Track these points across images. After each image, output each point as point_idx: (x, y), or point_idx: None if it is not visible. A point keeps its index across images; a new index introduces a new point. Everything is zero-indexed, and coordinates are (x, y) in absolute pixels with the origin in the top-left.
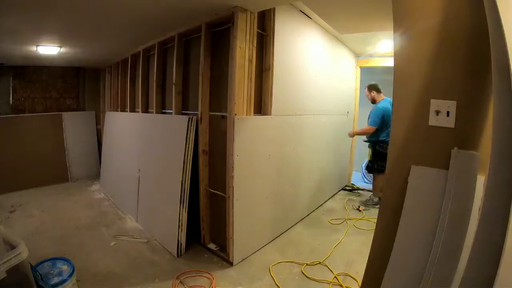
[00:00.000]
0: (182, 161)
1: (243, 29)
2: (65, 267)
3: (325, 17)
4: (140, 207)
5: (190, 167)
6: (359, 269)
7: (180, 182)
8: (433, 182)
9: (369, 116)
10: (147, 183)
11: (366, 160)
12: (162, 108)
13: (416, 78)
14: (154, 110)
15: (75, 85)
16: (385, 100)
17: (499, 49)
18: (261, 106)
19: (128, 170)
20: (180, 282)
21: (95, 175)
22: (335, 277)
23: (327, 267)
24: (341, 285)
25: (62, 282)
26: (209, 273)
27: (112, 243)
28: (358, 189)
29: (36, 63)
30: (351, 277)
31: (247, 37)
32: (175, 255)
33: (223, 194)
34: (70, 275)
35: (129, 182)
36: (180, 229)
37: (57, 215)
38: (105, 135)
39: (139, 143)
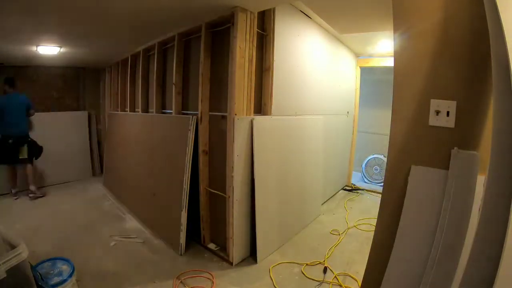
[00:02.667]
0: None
1: (243, 29)
2: (65, 267)
3: (324, 17)
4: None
5: (190, 167)
6: (359, 269)
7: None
8: (433, 182)
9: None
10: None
11: (366, 159)
12: (162, 108)
13: (416, 78)
14: (154, 110)
15: (75, 85)
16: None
17: (499, 49)
18: (261, 106)
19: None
20: (181, 282)
21: (95, 175)
22: (335, 277)
23: (327, 267)
24: (341, 285)
25: (62, 282)
26: (209, 273)
27: (112, 243)
28: (358, 189)
29: (36, 63)
30: (351, 277)
31: (247, 37)
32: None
33: (223, 194)
34: (70, 275)
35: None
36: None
37: (57, 215)
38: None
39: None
